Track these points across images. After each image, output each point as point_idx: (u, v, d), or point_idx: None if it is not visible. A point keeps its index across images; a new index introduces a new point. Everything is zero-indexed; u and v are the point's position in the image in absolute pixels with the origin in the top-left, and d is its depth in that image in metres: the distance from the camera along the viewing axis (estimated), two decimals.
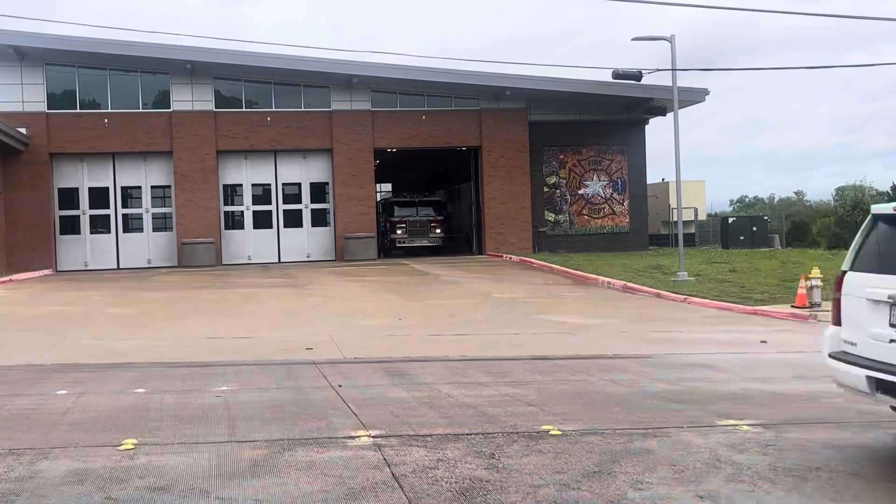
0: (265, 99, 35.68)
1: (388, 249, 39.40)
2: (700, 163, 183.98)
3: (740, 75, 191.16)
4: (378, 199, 42.71)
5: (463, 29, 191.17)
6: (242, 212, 36.04)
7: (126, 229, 35.08)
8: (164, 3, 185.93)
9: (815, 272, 18.70)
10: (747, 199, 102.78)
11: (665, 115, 38.03)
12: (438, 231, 39.27)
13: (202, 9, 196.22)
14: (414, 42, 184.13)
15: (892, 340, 6.08)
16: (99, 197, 34.79)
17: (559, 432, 7.29)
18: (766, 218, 45.04)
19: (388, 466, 6.20)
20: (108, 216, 34.84)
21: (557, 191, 37.95)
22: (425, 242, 38.85)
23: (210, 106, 34.84)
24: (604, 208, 38.35)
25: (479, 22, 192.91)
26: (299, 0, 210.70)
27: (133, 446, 6.83)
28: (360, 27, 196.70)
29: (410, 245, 38.97)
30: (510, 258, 34.40)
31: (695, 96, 36.13)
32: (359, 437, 7.12)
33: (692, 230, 45.28)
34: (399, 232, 38.83)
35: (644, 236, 39.20)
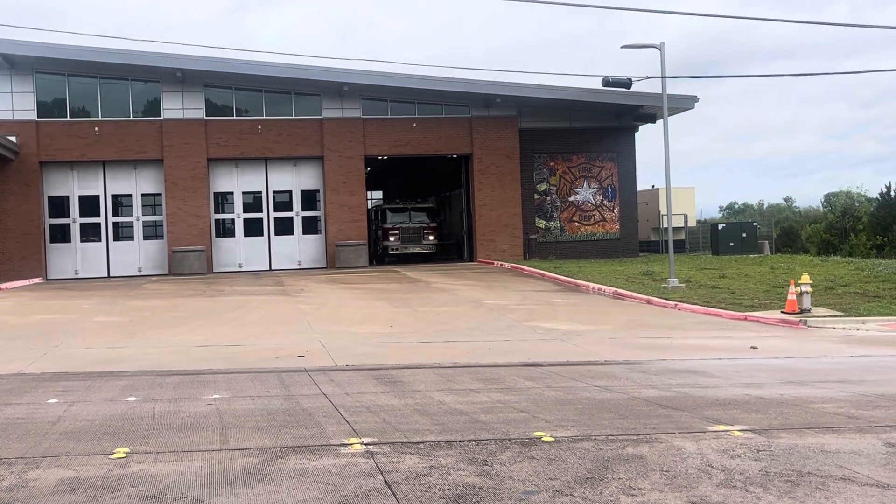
0: (256, 107, 35.67)
1: (380, 256, 39.06)
2: (692, 169, 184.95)
3: (736, 82, 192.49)
4: (369, 206, 42.58)
5: (466, 37, 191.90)
6: (233, 219, 35.99)
7: (116, 237, 34.99)
8: (175, 13, 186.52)
9: (805, 278, 18.80)
10: (737, 206, 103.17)
11: (655, 122, 38.19)
12: (432, 238, 38.79)
13: (211, 20, 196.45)
14: (418, 50, 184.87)
15: None
16: (89, 205, 34.70)
17: (551, 439, 7.30)
18: (755, 224, 45.23)
19: (381, 474, 6.20)
20: (99, 224, 34.75)
21: (548, 198, 38.03)
22: (418, 249, 38.44)
23: (201, 114, 34.82)
24: (594, 215, 38.44)
25: (483, 30, 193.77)
26: (306, 11, 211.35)
27: (125, 455, 6.80)
28: (366, 36, 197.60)
29: (403, 252, 38.45)
30: (501, 265, 34.42)
31: (684, 103, 36.29)
32: (351, 444, 7.12)
33: (682, 237, 45.46)
34: (392, 239, 38.36)
35: (634, 243, 39.31)
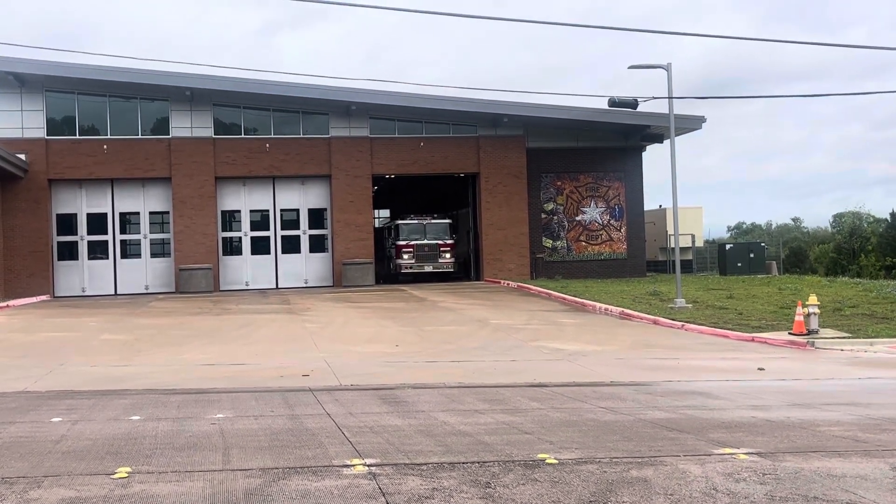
0: (264, 125, 35.84)
1: (393, 276, 37.54)
2: (705, 189, 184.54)
3: (753, 102, 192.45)
4: (376, 224, 42.33)
5: (490, 57, 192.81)
6: (240, 238, 36.06)
7: (124, 255, 35.07)
8: (201, 33, 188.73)
9: (813, 299, 18.70)
10: (745, 226, 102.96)
11: (662, 142, 38.23)
12: (449, 256, 36.71)
13: (242, 41, 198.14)
14: (442, 69, 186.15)
15: None
16: (97, 223, 34.83)
17: (555, 461, 7.25)
18: (763, 244, 45.10)
19: (383, 496, 6.16)
20: (106, 242, 34.86)
21: (555, 217, 38.02)
22: (435, 268, 36.53)
23: (209, 132, 34.98)
24: (601, 235, 38.40)
25: (507, 50, 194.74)
26: (336, 31, 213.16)
27: (127, 475, 6.78)
28: (393, 56, 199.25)
29: (419, 271, 36.45)
30: (508, 284, 34.37)
31: (691, 124, 36.31)
32: (354, 465, 7.08)
33: (689, 257, 45.31)
34: (406, 257, 36.50)
35: (641, 263, 39.20)
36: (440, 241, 36.95)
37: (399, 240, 37.13)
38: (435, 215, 38.72)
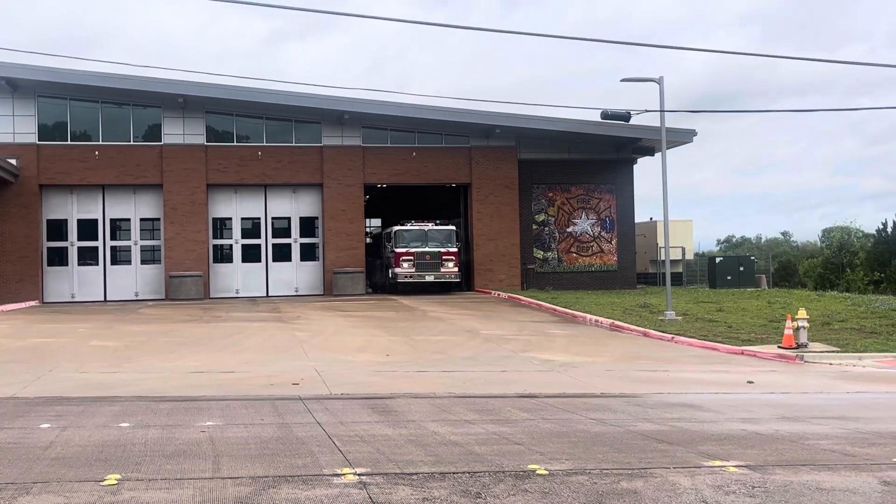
0: (256, 133, 35.84)
1: (391, 286, 35.58)
2: (697, 202, 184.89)
3: (749, 117, 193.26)
4: (368, 233, 42.16)
5: (493, 69, 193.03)
6: (231, 245, 36.01)
7: (114, 261, 34.99)
8: (210, 43, 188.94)
9: (802, 313, 18.78)
10: (734, 239, 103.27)
11: (654, 154, 38.40)
12: (452, 265, 34.71)
13: (249, 51, 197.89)
14: (443, 80, 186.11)
15: None
16: (88, 229, 34.74)
17: (546, 472, 7.25)
18: (753, 258, 45.28)
19: None
20: (97, 248, 34.76)
21: (546, 228, 38.12)
22: (436, 278, 34.75)
23: (201, 140, 34.97)
24: (592, 246, 38.50)
25: (510, 63, 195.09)
26: (341, 42, 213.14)
27: (116, 482, 6.76)
28: (396, 67, 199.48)
29: (420, 281, 34.52)
30: (499, 295, 34.38)
31: (682, 137, 36.52)
32: (344, 474, 7.07)
33: (679, 269, 45.46)
34: (405, 265, 34.43)
35: (632, 275, 39.31)
36: (443, 249, 34.88)
37: (398, 247, 35.06)
38: (437, 221, 36.71)
